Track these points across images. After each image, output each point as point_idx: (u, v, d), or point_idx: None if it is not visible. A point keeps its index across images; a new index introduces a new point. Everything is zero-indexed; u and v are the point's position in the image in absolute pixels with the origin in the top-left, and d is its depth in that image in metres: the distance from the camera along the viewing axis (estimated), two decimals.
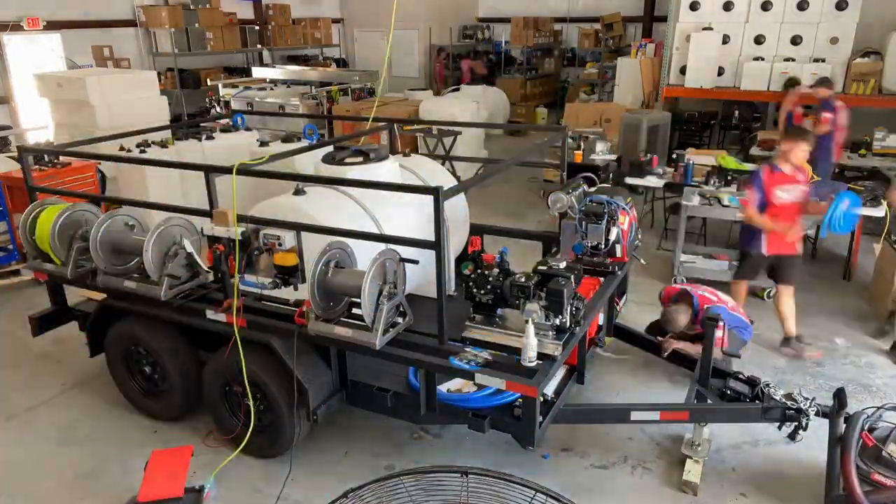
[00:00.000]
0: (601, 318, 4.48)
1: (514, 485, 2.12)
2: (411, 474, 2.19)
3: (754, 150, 9.44)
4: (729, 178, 7.03)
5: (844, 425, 3.44)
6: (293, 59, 16.15)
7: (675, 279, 6.70)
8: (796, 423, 3.76)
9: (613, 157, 8.63)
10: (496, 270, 3.55)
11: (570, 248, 4.38)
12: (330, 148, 4.72)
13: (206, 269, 3.98)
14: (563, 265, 3.52)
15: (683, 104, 12.02)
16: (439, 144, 9.49)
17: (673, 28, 10.88)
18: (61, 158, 6.66)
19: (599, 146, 8.64)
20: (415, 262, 3.51)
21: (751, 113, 11.06)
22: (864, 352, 5.33)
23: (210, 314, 3.91)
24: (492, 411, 3.55)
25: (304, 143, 5.48)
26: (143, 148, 5.57)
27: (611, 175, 8.16)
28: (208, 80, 13.32)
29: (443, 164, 5.96)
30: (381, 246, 3.56)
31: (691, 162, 7.31)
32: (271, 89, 12.28)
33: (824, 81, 8.09)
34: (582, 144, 8.73)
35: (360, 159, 4.39)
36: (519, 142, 13.50)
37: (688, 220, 6.80)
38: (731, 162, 7.25)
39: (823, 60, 9.87)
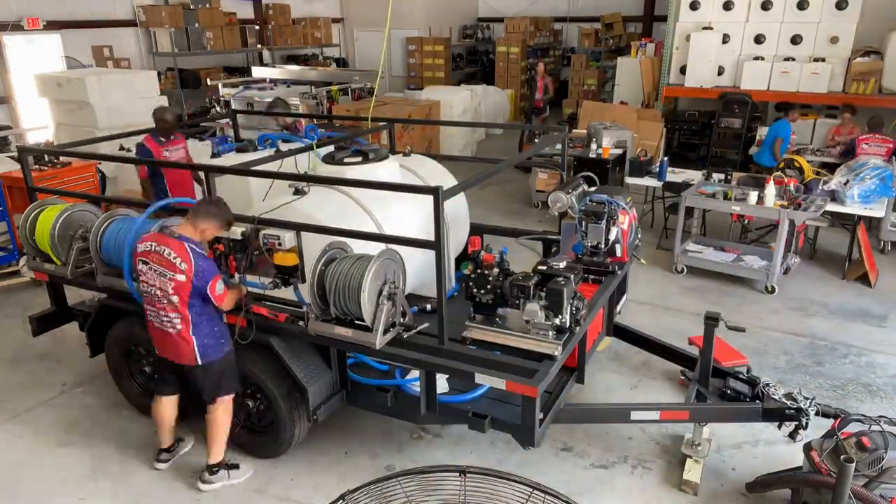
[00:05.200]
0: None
1: (513, 483, 2.12)
2: (409, 475, 2.18)
3: (753, 150, 9.46)
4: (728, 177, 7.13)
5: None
6: (293, 59, 16.15)
7: (676, 267, 6.78)
8: (796, 423, 3.76)
9: (620, 151, 8.59)
10: (496, 270, 3.55)
11: (569, 247, 4.38)
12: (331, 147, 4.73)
13: None
14: (563, 265, 3.52)
15: (683, 104, 12.03)
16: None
17: (673, 28, 10.88)
18: (61, 158, 6.67)
19: (606, 139, 8.56)
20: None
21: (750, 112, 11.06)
22: (865, 351, 5.33)
23: None
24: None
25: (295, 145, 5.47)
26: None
27: (618, 168, 8.18)
28: (208, 79, 13.33)
29: None
30: (382, 246, 3.56)
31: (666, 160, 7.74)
32: (271, 89, 12.27)
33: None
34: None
35: (360, 159, 4.39)
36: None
37: (688, 216, 6.88)
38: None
39: (823, 60, 9.87)
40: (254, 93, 11.78)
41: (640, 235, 4.68)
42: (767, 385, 3.97)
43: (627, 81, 12.45)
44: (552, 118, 14.01)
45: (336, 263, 3.48)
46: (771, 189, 6.27)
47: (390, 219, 4.17)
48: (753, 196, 6.33)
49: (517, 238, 5.00)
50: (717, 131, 10.91)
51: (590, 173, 4.71)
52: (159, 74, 11.59)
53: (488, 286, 3.51)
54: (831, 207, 6.53)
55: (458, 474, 2.13)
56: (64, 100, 8.41)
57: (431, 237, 3.33)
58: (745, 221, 7.16)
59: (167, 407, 3.91)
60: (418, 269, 4.03)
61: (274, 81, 12.98)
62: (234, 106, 11.07)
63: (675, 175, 7.71)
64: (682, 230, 6.88)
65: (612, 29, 16.20)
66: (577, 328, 3.52)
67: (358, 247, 3.67)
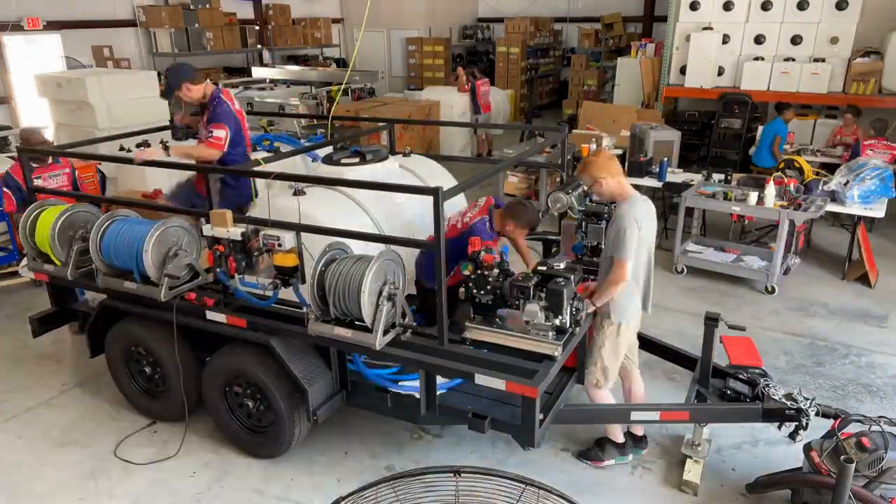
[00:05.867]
0: None
1: (508, 481, 2.12)
2: (403, 478, 2.19)
3: (753, 151, 9.45)
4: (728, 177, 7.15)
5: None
6: (293, 59, 16.15)
7: (676, 267, 6.78)
8: (796, 424, 3.76)
9: (619, 150, 8.64)
10: (496, 271, 3.55)
11: (570, 248, 4.37)
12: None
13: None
14: (562, 265, 3.52)
15: (683, 104, 12.02)
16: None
17: (673, 28, 10.88)
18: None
19: (606, 140, 8.63)
20: None
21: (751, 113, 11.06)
22: (865, 352, 5.33)
23: (210, 314, 3.91)
24: None
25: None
26: (143, 148, 5.57)
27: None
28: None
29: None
30: (382, 246, 3.56)
31: (666, 160, 7.74)
32: (271, 89, 12.27)
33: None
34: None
35: (357, 160, 4.40)
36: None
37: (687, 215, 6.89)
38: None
39: (823, 60, 9.87)
40: (254, 93, 11.79)
41: None
42: (767, 385, 3.97)
43: (627, 82, 12.45)
44: (551, 119, 14.02)
45: (336, 264, 3.48)
46: (771, 189, 6.28)
47: (390, 219, 4.17)
48: (753, 196, 6.35)
49: None
50: (717, 132, 10.90)
51: None
52: (159, 75, 11.55)
53: (488, 287, 3.51)
54: (831, 208, 6.53)
55: (452, 475, 2.12)
56: (64, 100, 8.39)
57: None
58: (745, 222, 7.16)
59: None
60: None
61: (274, 82, 12.98)
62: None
63: (675, 175, 7.71)
64: (684, 230, 6.89)
65: (612, 29, 16.19)
66: (577, 329, 3.52)
67: (358, 247, 3.67)
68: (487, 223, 4.18)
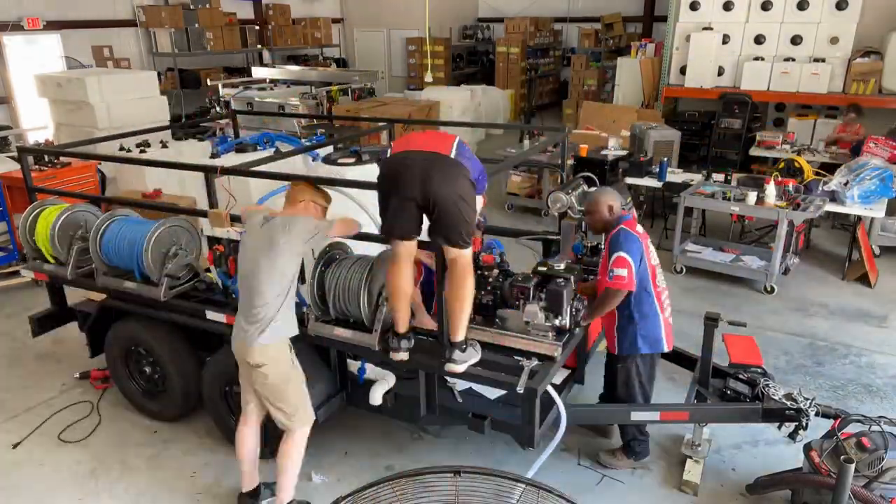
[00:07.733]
0: None
1: (507, 481, 2.12)
2: (404, 477, 2.18)
3: (754, 150, 9.46)
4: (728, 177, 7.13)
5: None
6: (293, 59, 16.15)
7: (675, 267, 6.78)
8: (796, 424, 3.76)
9: (624, 152, 8.63)
10: (496, 271, 3.55)
11: (569, 248, 4.38)
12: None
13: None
14: (562, 266, 3.52)
15: (683, 104, 12.02)
16: None
17: (673, 28, 10.88)
18: (61, 158, 6.67)
19: (611, 141, 8.63)
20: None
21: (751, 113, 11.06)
22: (865, 352, 5.33)
23: (210, 314, 3.91)
24: None
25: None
26: (143, 148, 5.58)
27: (620, 171, 8.17)
28: (208, 80, 13.32)
29: None
30: (382, 246, 3.56)
31: (666, 160, 7.72)
32: (271, 89, 12.27)
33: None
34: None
35: (353, 160, 4.41)
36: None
37: (686, 215, 6.89)
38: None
39: (823, 60, 9.87)
40: (254, 93, 11.78)
41: None
42: (767, 385, 3.97)
43: (627, 82, 12.44)
44: (551, 119, 14.01)
45: (336, 264, 3.48)
46: (771, 189, 6.27)
47: None
48: (752, 196, 6.33)
49: (517, 238, 5.00)
50: (717, 132, 10.90)
51: (589, 173, 4.70)
52: (159, 75, 11.58)
53: (488, 287, 3.51)
54: (831, 208, 6.53)
55: (451, 475, 2.12)
56: (64, 100, 8.40)
57: None
58: (745, 222, 7.16)
59: None
60: None
61: (274, 82, 12.97)
62: (233, 106, 11.07)
63: (675, 175, 7.71)
64: (683, 230, 6.89)
65: (612, 29, 16.18)
66: (577, 329, 3.52)
67: (358, 247, 3.68)
68: None
